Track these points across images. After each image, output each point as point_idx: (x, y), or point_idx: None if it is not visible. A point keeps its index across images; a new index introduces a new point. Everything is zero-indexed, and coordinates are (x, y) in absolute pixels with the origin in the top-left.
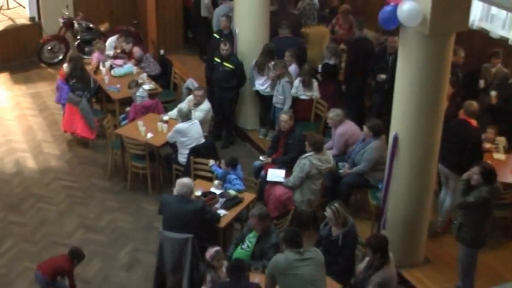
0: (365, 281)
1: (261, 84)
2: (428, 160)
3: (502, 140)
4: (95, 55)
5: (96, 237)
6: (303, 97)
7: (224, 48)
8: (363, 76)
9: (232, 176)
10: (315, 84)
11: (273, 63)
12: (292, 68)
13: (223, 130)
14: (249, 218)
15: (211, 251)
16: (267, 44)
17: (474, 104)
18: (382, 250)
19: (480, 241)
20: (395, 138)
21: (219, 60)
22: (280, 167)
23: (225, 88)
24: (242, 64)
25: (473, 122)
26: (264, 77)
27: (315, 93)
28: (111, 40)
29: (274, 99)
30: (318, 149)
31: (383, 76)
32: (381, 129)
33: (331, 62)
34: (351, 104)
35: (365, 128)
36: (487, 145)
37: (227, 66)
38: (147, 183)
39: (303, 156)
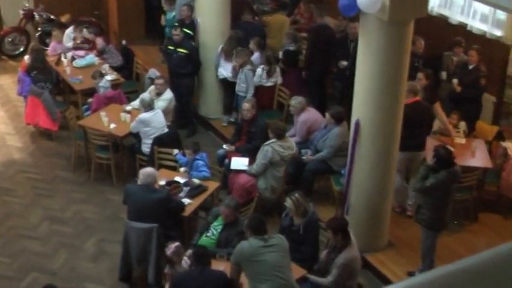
0: (329, 265)
1: (230, 71)
2: (389, 145)
3: (462, 125)
4: (52, 44)
5: (62, 229)
6: (268, 84)
7: (175, 33)
8: (323, 63)
9: (200, 162)
10: (278, 70)
11: (236, 50)
12: (256, 56)
13: (185, 119)
14: (223, 208)
15: (171, 247)
16: (235, 30)
17: (417, 85)
18: (343, 230)
19: (439, 224)
20: (357, 124)
21: (172, 47)
22: (243, 155)
23: (181, 74)
24: (197, 49)
25: (419, 99)
26: (232, 63)
27: (279, 78)
28: (68, 31)
29: (236, 88)
30: (280, 135)
31: (344, 63)
32: (343, 116)
33: (292, 47)
34: (312, 91)
35: (327, 115)
36: (452, 131)
37: (181, 52)
38: (111, 173)
39: (266, 143)
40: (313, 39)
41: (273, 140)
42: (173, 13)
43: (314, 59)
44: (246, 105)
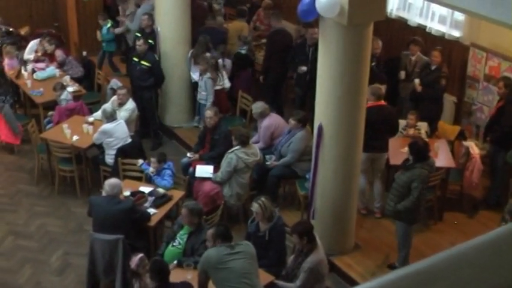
0: (296, 269)
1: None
2: (352, 148)
3: (423, 125)
4: (6, 62)
5: (26, 244)
6: (217, 87)
7: (139, 43)
8: (281, 68)
9: (167, 171)
10: (222, 74)
11: (197, 57)
12: (228, 62)
13: (149, 129)
14: (182, 210)
15: (135, 259)
16: (203, 36)
17: (381, 88)
18: (308, 234)
19: (415, 217)
20: (320, 128)
21: (136, 59)
22: (208, 163)
23: (143, 87)
24: (159, 62)
25: (383, 103)
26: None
27: (225, 82)
28: (33, 43)
29: (198, 96)
30: (244, 142)
31: (304, 68)
32: (306, 120)
33: (243, 51)
34: (269, 96)
35: (291, 120)
36: (410, 131)
37: (144, 65)
38: (75, 186)
39: (230, 150)
40: (270, 44)
41: (237, 147)
42: (108, 25)
43: (271, 64)
44: (208, 113)
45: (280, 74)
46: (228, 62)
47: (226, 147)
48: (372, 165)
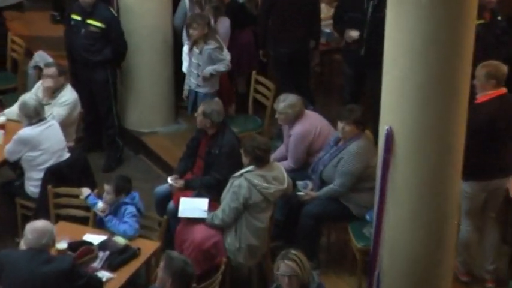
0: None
1: None
2: (446, 171)
3: None
4: None
5: None
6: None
7: None
8: (300, 33)
9: (130, 208)
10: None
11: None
12: (224, 25)
13: (101, 136)
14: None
15: None
16: None
17: (503, 67)
18: None
19: None
20: (389, 137)
21: (79, 18)
22: (199, 194)
23: (92, 65)
24: (117, 20)
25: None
26: None
27: (225, 52)
28: None
29: (189, 80)
30: (261, 160)
31: (354, 34)
32: (365, 122)
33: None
34: (284, 82)
35: (341, 123)
36: None
37: (93, 25)
38: None
39: (237, 173)
40: None
41: (250, 167)
42: None
43: (284, 29)
44: (206, 108)
45: (299, 45)
46: (224, 23)
47: (231, 168)
48: (484, 201)
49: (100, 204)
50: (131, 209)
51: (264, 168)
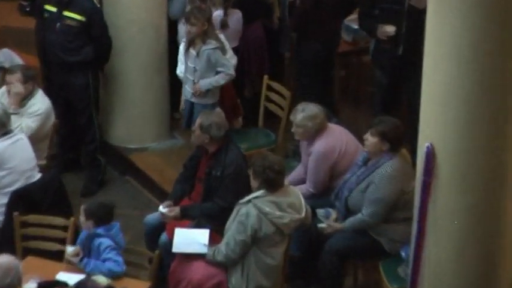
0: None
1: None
2: (498, 190)
3: None
4: None
5: None
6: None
7: None
8: (331, 27)
9: (105, 242)
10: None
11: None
12: (236, 18)
13: (80, 153)
14: None
15: None
16: None
17: None
18: None
19: None
20: (429, 155)
21: (54, 9)
22: (199, 224)
23: (70, 65)
24: (101, 12)
25: None
26: None
27: (230, 54)
28: None
29: (184, 89)
30: (273, 183)
31: (390, 29)
32: (399, 136)
33: None
34: (307, 86)
35: (370, 137)
36: None
37: (71, 18)
38: None
39: (245, 199)
40: None
41: (260, 192)
42: None
43: (312, 18)
44: (204, 120)
45: (329, 42)
46: (236, 17)
47: (238, 193)
48: None
49: (70, 249)
50: (106, 242)
51: (277, 193)
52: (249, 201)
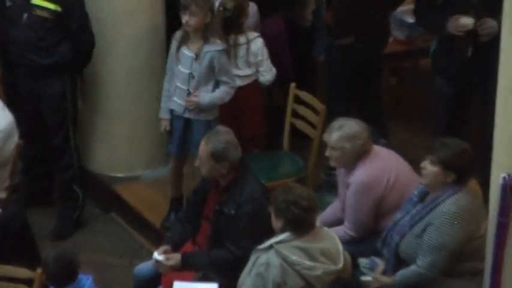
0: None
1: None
2: None
3: None
4: None
5: None
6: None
7: None
8: (377, 28)
9: None
10: (259, 42)
11: None
12: (251, 12)
13: (51, 183)
14: None
15: None
16: None
17: None
18: None
19: None
20: (506, 188)
21: None
22: (206, 277)
23: (41, 69)
24: (81, 2)
25: None
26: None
27: (263, 57)
28: None
29: (172, 101)
30: (301, 224)
31: (468, 22)
32: (470, 165)
33: None
34: (347, 97)
35: (430, 165)
36: None
37: (42, 8)
38: None
39: (265, 244)
40: None
41: (284, 236)
42: None
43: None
44: (208, 146)
45: (373, 40)
46: (251, 10)
47: (256, 237)
48: None
49: None
50: None
51: (306, 237)
52: (270, 246)
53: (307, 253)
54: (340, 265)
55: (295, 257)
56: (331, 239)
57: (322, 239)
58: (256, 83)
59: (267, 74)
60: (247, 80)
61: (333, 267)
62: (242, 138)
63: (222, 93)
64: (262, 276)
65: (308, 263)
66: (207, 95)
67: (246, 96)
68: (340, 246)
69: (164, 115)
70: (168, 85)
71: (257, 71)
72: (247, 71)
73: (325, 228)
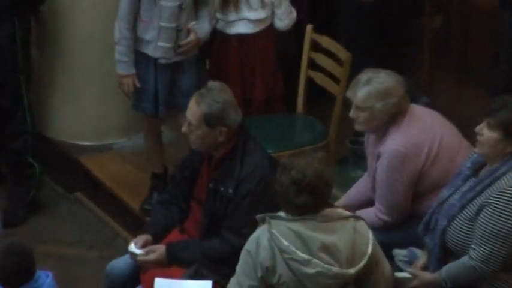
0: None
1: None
2: None
3: None
4: None
5: None
6: (239, 29)
7: None
8: None
9: None
10: None
11: None
12: None
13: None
14: None
15: None
16: None
17: None
18: None
19: None
20: None
21: None
22: (198, 273)
23: None
24: None
25: None
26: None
27: (282, 8)
28: None
29: (152, 45)
30: (313, 205)
31: None
32: None
33: None
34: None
35: (487, 127)
36: None
37: None
38: None
39: (261, 215)
40: None
41: (282, 212)
42: None
43: None
44: (197, 109)
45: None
46: None
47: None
48: None
49: None
50: None
51: (308, 222)
52: (264, 218)
53: (304, 242)
54: (352, 271)
55: (286, 242)
56: (348, 234)
57: (332, 231)
58: (270, 30)
59: (286, 17)
60: (259, 25)
61: (334, 268)
62: (253, 101)
63: (209, 26)
64: (251, 256)
65: (301, 254)
66: (202, 27)
67: (258, 48)
68: (368, 248)
69: (130, 70)
70: (129, 33)
71: (273, 14)
72: (261, 14)
73: (348, 220)
